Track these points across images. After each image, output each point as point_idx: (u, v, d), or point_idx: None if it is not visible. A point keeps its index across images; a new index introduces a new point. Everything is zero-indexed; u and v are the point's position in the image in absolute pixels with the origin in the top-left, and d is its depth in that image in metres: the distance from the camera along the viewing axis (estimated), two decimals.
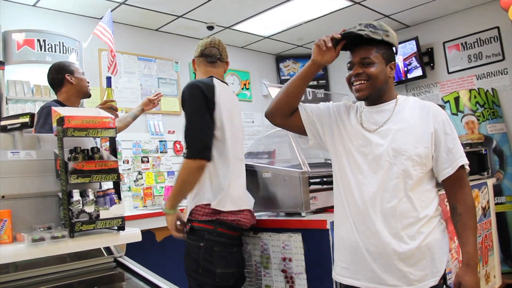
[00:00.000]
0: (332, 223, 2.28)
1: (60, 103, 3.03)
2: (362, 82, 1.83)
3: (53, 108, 1.71)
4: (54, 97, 4.46)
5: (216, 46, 2.68)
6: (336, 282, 2.05)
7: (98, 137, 1.66)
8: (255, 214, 2.76)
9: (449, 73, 6.42)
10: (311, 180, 2.82)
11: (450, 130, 1.83)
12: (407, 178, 1.77)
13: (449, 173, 1.80)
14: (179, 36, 6.23)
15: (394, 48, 1.91)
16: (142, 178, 5.32)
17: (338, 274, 1.96)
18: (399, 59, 6.61)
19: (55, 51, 4.51)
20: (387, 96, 1.90)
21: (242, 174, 2.57)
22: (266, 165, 2.89)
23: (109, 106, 3.02)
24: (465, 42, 6.25)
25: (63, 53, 4.56)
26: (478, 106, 5.86)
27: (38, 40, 4.41)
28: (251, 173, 2.90)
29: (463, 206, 1.82)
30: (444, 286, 1.84)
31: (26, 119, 1.66)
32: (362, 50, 1.85)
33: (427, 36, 6.54)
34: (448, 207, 1.95)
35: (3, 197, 1.60)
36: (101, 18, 4.80)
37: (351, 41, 1.87)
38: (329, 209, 2.79)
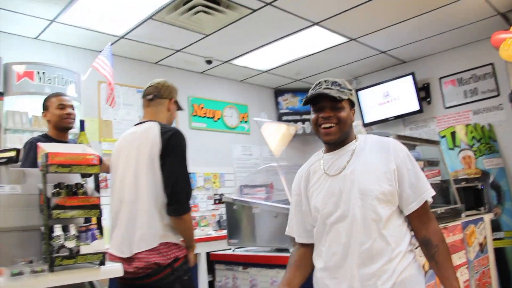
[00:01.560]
0: None
1: (48, 137, 3.03)
2: (332, 125, 1.86)
3: (39, 144, 1.75)
4: None
5: (154, 85, 2.68)
6: None
7: (82, 173, 1.69)
8: (246, 248, 2.75)
9: (445, 108, 6.48)
10: None
11: (412, 165, 1.86)
12: (377, 217, 1.78)
13: (414, 208, 1.82)
14: (178, 69, 6.34)
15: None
16: None
17: None
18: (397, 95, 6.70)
19: (54, 83, 4.59)
20: (349, 138, 1.95)
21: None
22: (255, 201, 2.91)
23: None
24: (461, 78, 6.33)
25: (61, 85, 4.64)
26: (474, 141, 5.89)
27: (38, 72, 4.50)
28: (242, 208, 2.92)
29: (437, 238, 1.84)
30: None
31: (13, 154, 1.69)
32: (333, 99, 1.87)
33: (424, 71, 6.63)
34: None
35: None
36: (101, 51, 4.90)
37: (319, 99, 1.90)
38: None
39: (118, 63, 5.16)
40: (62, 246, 1.57)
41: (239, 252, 3.01)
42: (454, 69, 6.39)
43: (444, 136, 6.11)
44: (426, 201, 1.84)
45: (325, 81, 1.92)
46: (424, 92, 6.62)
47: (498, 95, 5.99)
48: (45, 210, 1.60)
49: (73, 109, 3.17)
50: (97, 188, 1.75)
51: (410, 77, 6.55)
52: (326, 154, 1.98)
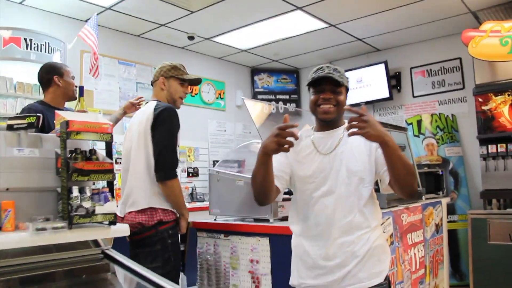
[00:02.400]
0: None
1: (45, 104, 3.10)
2: (331, 106, 2.06)
3: (57, 111, 1.90)
4: (36, 95, 4.62)
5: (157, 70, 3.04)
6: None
7: (97, 140, 1.86)
8: (227, 218, 3.02)
9: (414, 96, 6.81)
10: None
11: None
12: (359, 195, 2.04)
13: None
14: (160, 43, 6.42)
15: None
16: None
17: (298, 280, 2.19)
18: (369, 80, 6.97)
19: (40, 51, 4.63)
20: (339, 122, 2.16)
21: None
22: (239, 174, 3.11)
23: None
24: (430, 69, 6.65)
25: (48, 52, 4.69)
26: (438, 129, 6.25)
27: (25, 39, 4.52)
28: (226, 180, 3.13)
29: None
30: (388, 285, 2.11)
31: (33, 120, 1.84)
32: (334, 83, 2.06)
33: (396, 60, 6.92)
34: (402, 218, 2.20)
35: (7, 189, 1.77)
36: (86, 21, 4.95)
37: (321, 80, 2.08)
38: None
39: (101, 34, 5.19)
40: (80, 206, 1.75)
41: (220, 221, 3.22)
42: (424, 61, 6.70)
43: (410, 123, 6.44)
44: None
45: (327, 66, 2.09)
46: (395, 80, 6.92)
47: (463, 88, 6.34)
48: (64, 172, 1.76)
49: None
50: (109, 154, 1.92)
51: (382, 65, 6.83)
52: (318, 133, 2.17)
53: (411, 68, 6.83)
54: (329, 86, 2.06)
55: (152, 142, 2.69)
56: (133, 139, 2.77)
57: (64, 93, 3.16)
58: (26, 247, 1.81)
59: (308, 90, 2.18)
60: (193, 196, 6.23)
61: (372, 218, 2.08)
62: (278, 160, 2.10)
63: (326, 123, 2.13)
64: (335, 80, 2.04)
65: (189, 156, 6.49)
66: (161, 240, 2.67)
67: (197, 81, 3.17)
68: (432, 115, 6.36)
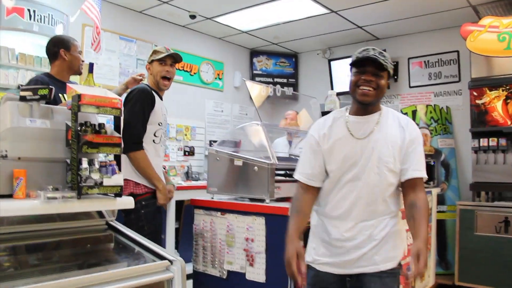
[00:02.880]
0: None
1: (51, 77, 3.13)
2: (371, 89, 2.03)
3: (68, 84, 1.96)
4: (38, 67, 4.64)
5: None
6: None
7: (108, 114, 1.92)
8: (223, 197, 3.13)
9: (410, 87, 6.88)
10: (277, 172, 3.14)
11: (419, 145, 2.09)
12: (386, 185, 2.08)
13: (410, 176, 2.05)
14: (161, 20, 6.42)
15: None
16: None
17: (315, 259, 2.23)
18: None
19: (43, 22, 4.62)
20: (376, 107, 2.14)
21: None
22: (238, 154, 3.18)
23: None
24: (428, 61, 6.71)
25: (50, 25, 4.68)
26: (432, 121, 6.34)
27: (28, 10, 4.50)
28: (224, 160, 3.20)
29: (422, 202, 2.06)
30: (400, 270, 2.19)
31: (45, 92, 1.89)
32: (377, 66, 2.04)
33: (395, 50, 6.95)
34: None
35: (19, 158, 1.83)
36: None
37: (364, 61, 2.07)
38: (289, 199, 3.13)
39: (104, 8, 5.19)
40: (89, 177, 1.82)
41: (217, 199, 3.30)
42: (422, 52, 6.75)
43: (405, 113, 6.52)
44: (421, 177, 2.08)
45: (373, 49, 2.07)
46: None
47: (459, 81, 6.42)
48: (74, 144, 1.82)
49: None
50: (117, 129, 1.99)
51: None
52: (353, 116, 2.14)
53: (409, 58, 6.89)
54: (371, 68, 2.03)
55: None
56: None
57: (69, 67, 3.19)
58: (33, 215, 1.87)
59: (350, 70, 2.14)
60: (188, 175, 6.30)
61: (393, 205, 2.14)
62: (310, 163, 2.18)
63: (363, 107, 2.11)
64: (379, 63, 2.01)
65: (185, 135, 6.54)
66: (134, 210, 2.82)
67: (177, 56, 3.30)
68: (427, 106, 6.44)
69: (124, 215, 2.91)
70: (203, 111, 7.01)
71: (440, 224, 5.79)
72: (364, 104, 2.09)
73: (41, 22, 4.60)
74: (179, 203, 5.14)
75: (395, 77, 6.95)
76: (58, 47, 3.15)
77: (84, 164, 1.83)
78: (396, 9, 5.78)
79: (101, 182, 1.84)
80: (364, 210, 2.08)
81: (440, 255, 5.88)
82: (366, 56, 2.03)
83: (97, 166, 1.87)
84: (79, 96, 1.82)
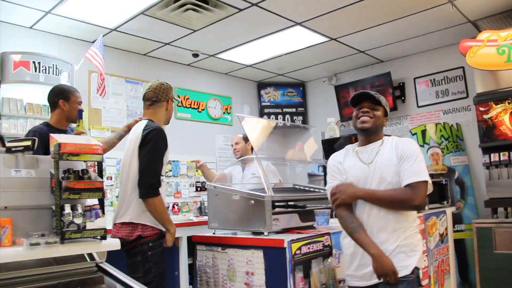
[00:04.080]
0: (289, 242, 2.72)
1: (50, 126, 3.25)
2: (368, 118, 2.46)
3: (51, 134, 2.04)
4: (45, 115, 4.80)
5: (152, 90, 3.14)
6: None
7: (88, 161, 1.98)
8: (226, 231, 3.14)
9: (418, 107, 6.86)
10: (277, 204, 3.16)
11: (414, 157, 2.39)
12: None
13: (406, 182, 2.36)
14: (165, 61, 6.59)
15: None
16: None
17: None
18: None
19: (49, 73, 4.82)
20: (377, 136, 2.53)
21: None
22: (235, 189, 3.22)
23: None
24: (434, 79, 6.70)
25: (55, 74, 4.88)
26: (443, 139, 6.28)
27: (34, 62, 4.73)
28: (223, 194, 3.23)
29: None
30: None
31: (29, 143, 1.98)
32: (372, 101, 2.50)
33: (400, 71, 6.99)
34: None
35: (5, 207, 1.90)
36: (93, 42, 5.14)
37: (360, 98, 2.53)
38: (291, 229, 3.14)
39: (108, 54, 5.39)
40: (71, 222, 1.87)
41: (218, 234, 3.32)
42: (427, 71, 6.75)
43: (415, 134, 6.48)
44: (418, 182, 2.35)
45: (371, 90, 2.57)
46: (399, 90, 6.98)
47: (466, 97, 6.38)
48: (57, 191, 1.89)
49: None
50: (100, 174, 2.05)
51: (386, 76, 6.90)
52: (360, 147, 2.58)
53: (414, 78, 6.89)
54: (368, 103, 2.49)
55: (138, 160, 2.85)
56: (127, 156, 2.96)
57: (67, 116, 3.30)
58: (27, 260, 1.93)
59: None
60: (201, 210, 6.34)
61: (403, 219, 2.43)
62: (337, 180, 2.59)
63: (365, 135, 2.53)
64: (372, 97, 2.49)
65: (196, 171, 6.60)
66: (141, 252, 2.83)
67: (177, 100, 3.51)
68: (436, 124, 6.40)
69: (128, 258, 2.89)
70: (213, 146, 7.09)
71: (459, 243, 5.67)
72: (364, 131, 2.51)
73: (46, 72, 4.79)
74: (190, 239, 5.15)
75: (403, 98, 6.95)
76: (58, 98, 3.28)
77: (67, 209, 1.89)
78: (395, 31, 5.83)
79: (84, 226, 1.89)
80: (376, 224, 2.41)
81: (462, 276, 5.74)
82: (360, 92, 2.53)
83: (80, 211, 1.92)
84: (59, 145, 1.89)
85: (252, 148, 4.52)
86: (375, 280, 2.38)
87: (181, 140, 6.26)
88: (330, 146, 4.10)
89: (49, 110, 4.54)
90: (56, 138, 1.95)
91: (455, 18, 5.46)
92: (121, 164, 3.09)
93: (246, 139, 4.57)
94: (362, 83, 7.17)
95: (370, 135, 2.52)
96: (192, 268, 5.31)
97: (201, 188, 6.56)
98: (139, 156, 2.84)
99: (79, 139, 2.04)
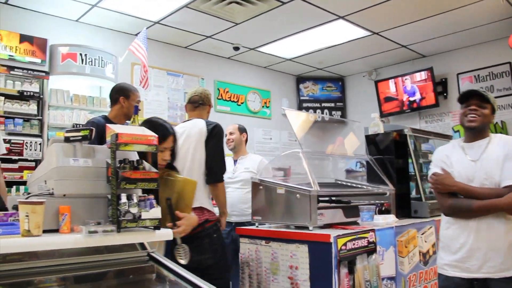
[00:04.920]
0: (335, 238, 2.71)
1: (107, 119, 3.37)
2: (476, 116, 2.47)
3: (108, 125, 2.07)
4: (90, 106, 4.91)
5: (198, 94, 3.48)
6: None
7: (144, 151, 2.01)
8: (268, 225, 3.16)
9: None
10: (320, 198, 3.14)
11: None
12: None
13: (507, 183, 2.39)
14: (206, 54, 6.64)
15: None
16: None
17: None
18: (413, 87, 6.93)
19: (94, 65, 4.92)
20: (484, 134, 2.56)
21: None
22: (280, 183, 3.21)
23: None
24: (478, 75, 6.53)
25: (101, 66, 4.97)
26: None
27: (80, 54, 4.83)
28: (267, 188, 3.24)
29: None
30: None
31: (86, 133, 2.01)
32: (480, 99, 2.50)
33: (442, 66, 6.84)
34: None
35: (64, 195, 1.95)
36: (136, 35, 5.21)
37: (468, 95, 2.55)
38: (335, 225, 3.11)
39: (150, 46, 5.46)
40: (127, 211, 1.90)
41: (262, 227, 3.32)
42: (472, 66, 6.59)
43: (457, 131, 6.35)
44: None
45: (480, 88, 2.61)
46: (441, 86, 6.83)
47: None
48: (113, 180, 1.91)
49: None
50: (155, 164, 2.07)
51: (428, 72, 6.76)
52: (466, 143, 2.61)
53: (458, 74, 6.73)
54: (475, 101, 2.49)
55: (205, 152, 3.13)
56: (190, 148, 3.15)
57: (125, 113, 3.45)
58: (80, 247, 1.97)
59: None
60: None
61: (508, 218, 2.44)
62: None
63: (472, 133, 2.56)
64: (481, 96, 2.49)
65: None
66: (208, 235, 3.00)
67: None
68: None
69: (192, 241, 2.96)
70: (252, 140, 7.10)
71: None
72: (471, 129, 2.53)
73: (92, 64, 4.89)
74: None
75: (445, 94, 6.80)
76: (119, 94, 3.42)
77: (123, 199, 1.91)
78: (439, 25, 5.71)
79: (140, 216, 1.92)
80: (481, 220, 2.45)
81: None
82: (469, 90, 2.56)
83: (135, 200, 1.94)
84: (116, 135, 1.92)
85: (246, 140, 4.53)
86: (482, 274, 2.42)
87: None
88: (373, 142, 4.05)
89: (94, 101, 4.70)
90: (113, 128, 1.98)
91: (505, 11, 5.30)
92: (180, 156, 3.16)
93: (242, 130, 4.50)
94: (403, 78, 7.05)
95: (477, 132, 2.55)
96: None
97: None
98: (207, 148, 3.12)
99: (135, 130, 2.06)
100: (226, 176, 4.08)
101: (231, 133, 4.46)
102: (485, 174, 2.45)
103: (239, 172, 4.27)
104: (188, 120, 3.40)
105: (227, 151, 3.72)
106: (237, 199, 4.17)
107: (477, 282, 2.45)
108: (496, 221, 2.43)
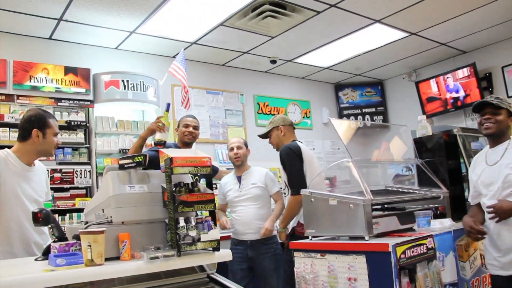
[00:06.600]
0: (393, 246, 2.61)
1: (177, 146, 3.76)
2: (490, 124, 2.66)
3: (161, 149, 2.09)
4: (135, 130, 4.99)
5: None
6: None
7: (198, 174, 2.02)
8: (322, 238, 3.11)
9: (508, 97, 6.46)
10: (374, 207, 3.07)
11: None
12: None
13: None
14: (244, 69, 6.68)
15: None
16: None
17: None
18: (456, 85, 6.76)
19: (136, 90, 5.03)
20: (505, 138, 2.69)
21: None
22: (332, 194, 3.16)
23: (157, 122, 3.36)
24: None
25: (143, 91, 5.08)
26: None
27: (122, 81, 4.95)
28: (319, 200, 3.19)
29: None
30: None
31: (141, 159, 2.04)
32: (493, 106, 2.66)
33: (485, 61, 6.64)
34: None
35: (122, 222, 1.97)
36: (174, 56, 5.29)
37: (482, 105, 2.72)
38: (391, 233, 3.03)
39: (189, 67, 5.52)
40: (187, 235, 1.90)
41: (316, 240, 3.27)
42: None
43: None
44: None
45: (490, 96, 2.74)
46: (485, 81, 6.62)
47: None
48: (170, 205, 1.93)
49: (195, 129, 3.79)
50: (209, 185, 2.08)
51: (470, 68, 6.58)
52: (490, 149, 2.77)
53: (502, 67, 6.51)
54: (489, 109, 2.67)
55: None
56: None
57: (180, 139, 3.79)
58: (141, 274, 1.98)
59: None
60: None
61: None
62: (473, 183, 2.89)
63: (492, 139, 2.74)
64: (493, 104, 2.65)
65: (280, 176, 6.59)
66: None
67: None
68: None
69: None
70: None
71: None
72: (489, 136, 2.73)
73: (134, 90, 5.00)
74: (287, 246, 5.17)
75: (490, 89, 6.59)
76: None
77: (181, 222, 1.92)
78: (478, 20, 5.56)
79: (199, 239, 1.92)
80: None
81: None
82: (481, 101, 2.73)
83: (193, 223, 1.95)
84: (171, 160, 1.93)
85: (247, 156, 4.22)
86: None
87: (263, 148, 6.28)
88: (422, 144, 3.96)
89: (143, 125, 4.77)
90: (167, 152, 1.99)
91: None
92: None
93: (246, 145, 4.22)
94: (444, 77, 6.88)
95: (496, 138, 2.69)
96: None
97: (285, 194, 6.53)
98: None
99: (187, 153, 2.07)
100: (232, 195, 4.01)
101: (239, 147, 4.11)
102: (504, 179, 2.56)
103: (247, 189, 4.00)
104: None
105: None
106: (252, 216, 3.92)
107: None
108: None
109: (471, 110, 2.81)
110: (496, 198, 2.59)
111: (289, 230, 3.71)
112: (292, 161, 3.68)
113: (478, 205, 2.84)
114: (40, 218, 2.12)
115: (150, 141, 3.95)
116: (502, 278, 2.67)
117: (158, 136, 3.34)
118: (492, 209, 2.55)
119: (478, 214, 2.83)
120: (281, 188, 3.99)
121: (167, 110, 3.40)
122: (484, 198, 2.74)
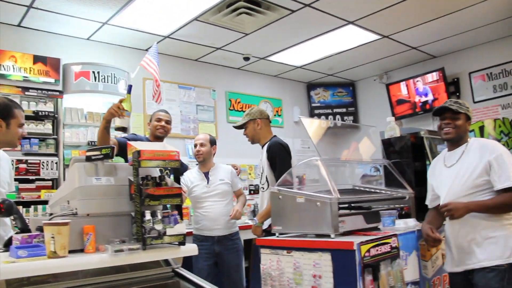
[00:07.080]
0: (358, 244, 2.66)
1: (149, 140, 3.70)
2: (450, 129, 2.75)
3: (129, 142, 2.07)
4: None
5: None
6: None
7: (166, 167, 2.01)
8: (289, 235, 3.13)
9: (474, 102, 6.63)
10: (340, 206, 3.11)
11: (501, 160, 2.58)
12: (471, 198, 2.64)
13: (499, 188, 2.55)
14: (217, 65, 6.66)
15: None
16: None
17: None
18: (425, 89, 6.89)
19: (107, 82, 4.95)
20: (462, 141, 2.78)
21: None
22: (300, 191, 3.19)
23: (117, 106, 2.97)
24: (490, 73, 6.47)
25: (114, 83, 5.01)
26: (502, 135, 6.06)
27: (93, 72, 4.87)
28: (287, 198, 3.21)
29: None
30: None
31: (108, 151, 2.02)
32: (452, 111, 2.75)
33: (453, 66, 6.79)
34: None
35: (88, 215, 1.95)
36: (147, 50, 5.23)
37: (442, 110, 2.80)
38: (356, 231, 3.08)
39: (161, 61, 5.46)
40: (152, 228, 1.90)
41: (282, 237, 3.30)
42: (484, 64, 6.53)
43: (472, 130, 6.29)
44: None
45: (450, 100, 2.83)
46: (453, 86, 6.78)
47: None
48: (137, 198, 1.92)
49: (167, 123, 3.85)
50: (177, 180, 2.07)
51: (439, 72, 6.72)
52: (448, 153, 2.87)
53: (470, 73, 6.68)
54: (448, 114, 2.75)
55: None
56: None
57: (151, 134, 3.84)
58: (104, 266, 1.97)
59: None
60: (255, 213, 6.33)
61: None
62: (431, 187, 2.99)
63: (451, 143, 2.83)
64: (452, 109, 2.73)
65: (249, 173, 6.62)
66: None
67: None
68: (495, 120, 6.19)
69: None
70: None
71: None
72: (449, 141, 2.82)
73: (104, 81, 4.93)
74: (247, 242, 5.16)
75: (457, 94, 6.75)
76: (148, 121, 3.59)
77: (147, 216, 1.91)
78: (448, 25, 5.68)
79: (165, 232, 1.92)
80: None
81: None
82: (440, 106, 2.81)
83: (159, 217, 1.95)
84: (138, 153, 1.92)
85: (214, 153, 4.21)
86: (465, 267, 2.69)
87: (234, 144, 6.29)
88: (389, 146, 4.02)
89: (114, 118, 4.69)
90: (135, 145, 1.98)
91: None
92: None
93: (213, 142, 4.18)
94: (414, 80, 7.02)
95: (455, 142, 2.79)
96: (248, 270, 5.34)
97: (254, 191, 6.56)
98: None
99: (155, 146, 2.06)
100: (200, 190, 4.02)
101: (202, 145, 4.08)
102: (460, 180, 2.67)
103: (216, 185, 4.03)
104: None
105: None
106: (220, 212, 3.96)
107: None
108: None
109: (432, 114, 2.90)
110: (451, 199, 2.69)
111: (266, 226, 3.75)
112: (284, 157, 3.83)
113: (437, 208, 2.90)
114: (2, 209, 2.07)
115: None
116: (457, 275, 2.81)
117: (118, 122, 3.06)
118: (445, 207, 2.62)
119: (436, 218, 2.91)
120: (260, 183, 3.99)
121: (129, 92, 3.06)
122: (441, 200, 2.82)
